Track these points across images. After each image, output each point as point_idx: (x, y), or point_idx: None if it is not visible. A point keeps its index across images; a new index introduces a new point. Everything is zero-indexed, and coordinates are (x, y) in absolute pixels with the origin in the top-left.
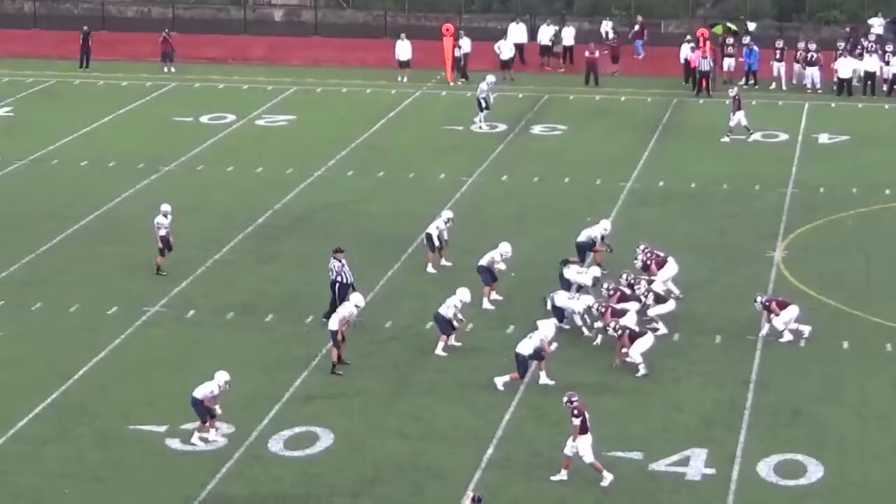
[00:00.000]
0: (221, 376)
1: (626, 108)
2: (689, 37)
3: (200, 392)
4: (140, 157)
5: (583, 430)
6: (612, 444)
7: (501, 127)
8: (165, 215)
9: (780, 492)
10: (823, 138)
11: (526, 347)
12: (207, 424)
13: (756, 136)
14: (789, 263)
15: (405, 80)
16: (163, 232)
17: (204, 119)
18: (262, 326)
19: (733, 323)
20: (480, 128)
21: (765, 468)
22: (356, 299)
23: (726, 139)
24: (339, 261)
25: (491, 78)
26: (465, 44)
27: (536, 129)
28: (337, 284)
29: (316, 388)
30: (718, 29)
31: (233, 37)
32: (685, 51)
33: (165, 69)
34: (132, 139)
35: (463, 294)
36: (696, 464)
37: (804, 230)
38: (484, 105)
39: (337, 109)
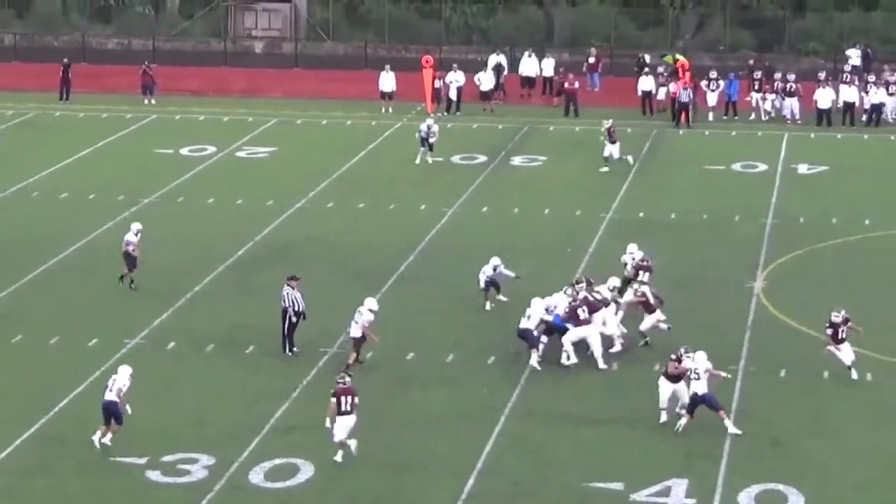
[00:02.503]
0: (126, 370)
1: None
2: (647, 68)
3: (114, 395)
4: (120, 189)
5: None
6: (594, 475)
7: (482, 158)
8: (137, 234)
9: None
10: (803, 168)
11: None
12: (115, 426)
13: (736, 166)
14: (769, 294)
15: (389, 111)
16: (130, 248)
17: (184, 151)
18: (243, 358)
19: (714, 353)
20: (428, 161)
21: (745, 498)
22: (370, 304)
23: (605, 169)
24: (293, 288)
25: (430, 121)
26: (459, 77)
27: (517, 160)
28: (288, 313)
29: (296, 420)
30: (668, 59)
31: (213, 69)
32: (643, 83)
33: (146, 101)
34: (112, 171)
35: (539, 303)
36: (678, 493)
37: (784, 260)
38: (425, 142)
39: (317, 141)
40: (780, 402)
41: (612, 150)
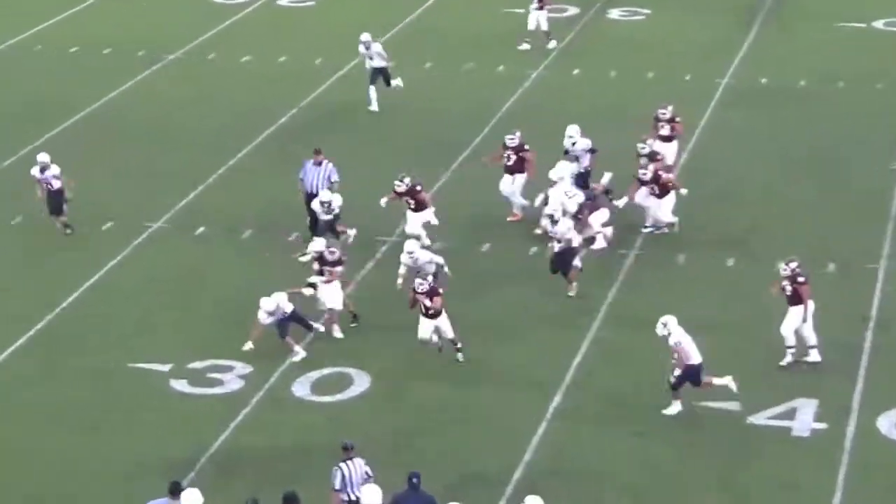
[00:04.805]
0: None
1: None
2: None
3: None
4: (140, 44)
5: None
6: (705, 393)
7: (573, 10)
8: (43, 170)
9: None
10: None
11: None
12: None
13: (878, 23)
14: None
15: None
16: (45, 186)
17: None
18: (284, 245)
19: (849, 250)
20: (374, 109)
21: (886, 423)
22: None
23: (525, 45)
24: (319, 164)
25: (365, 35)
26: None
27: (614, 13)
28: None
29: (351, 320)
30: None
31: None
32: None
33: None
34: (129, 22)
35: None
36: (804, 417)
37: None
38: (375, 75)
39: None
40: None
41: (538, 18)
